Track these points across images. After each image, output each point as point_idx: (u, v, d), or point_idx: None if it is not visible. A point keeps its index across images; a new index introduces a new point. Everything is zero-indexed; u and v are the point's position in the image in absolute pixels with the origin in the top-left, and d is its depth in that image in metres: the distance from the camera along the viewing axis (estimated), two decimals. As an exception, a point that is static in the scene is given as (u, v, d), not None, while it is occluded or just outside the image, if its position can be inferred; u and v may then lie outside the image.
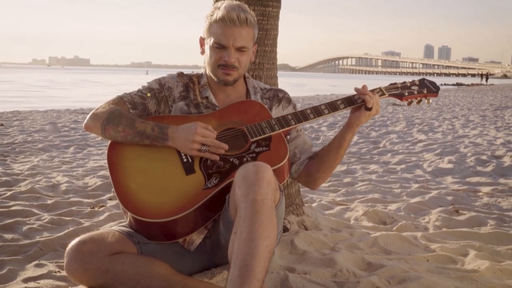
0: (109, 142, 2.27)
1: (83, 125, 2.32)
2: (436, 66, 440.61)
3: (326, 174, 2.47)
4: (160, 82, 2.42)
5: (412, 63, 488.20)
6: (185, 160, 2.18)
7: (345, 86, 46.96)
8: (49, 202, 3.78)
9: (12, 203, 3.69)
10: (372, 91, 2.35)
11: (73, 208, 3.63)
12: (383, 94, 2.39)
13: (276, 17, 2.98)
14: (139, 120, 2.21)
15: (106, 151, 2.26)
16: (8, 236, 2.94)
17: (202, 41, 2.39)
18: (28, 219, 3.31)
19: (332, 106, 2.34)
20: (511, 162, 5.75)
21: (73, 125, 10.01)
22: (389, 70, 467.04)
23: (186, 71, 2.53)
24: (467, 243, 2.91)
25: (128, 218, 2.20)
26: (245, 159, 2.18)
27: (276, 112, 2.46)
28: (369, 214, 3.51)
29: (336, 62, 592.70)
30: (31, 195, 3.94)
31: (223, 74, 2.29)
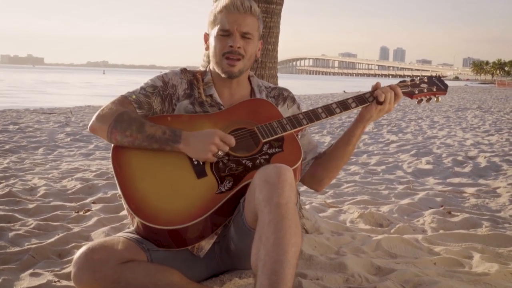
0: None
1: (88, 127, 2.18)
2: (391, 68, 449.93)
3: (333, 174, 2.42)
4: (164, 79, 2.30)
5: (368, 64, 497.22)
6: (195, 162, 2.07)
7: (305, 86, 47.36)
8: (31, 206, 3.60)
9: (-9, 207, 3.49)
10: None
11: (58, 212, 3.47)
12: None
13: (279, 14, 2.92)
14: (149, 124, 2.09)
15: (111, 153, 2.13)
16: (-6, 243, 2.77)
17: (206, 37, 2.33)
18: (12, 224, 3.13)
19: (344, 105, 2.28)
20: (487, 163, 5.87)
21: (37, 125, 9.68)
22: (345, 71, 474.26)
23: (183, 69, 2.41)
24: (468, 245, 2.91)
25: (136, 224, 2.07)
26: (258, 161, 2.09)
27: (281, 111, 2.38)
28: (364, 217, 3.48)
29: (294, 63, 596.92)
30: (10, 199, 3.74)
31: (228, 65, 2.20)
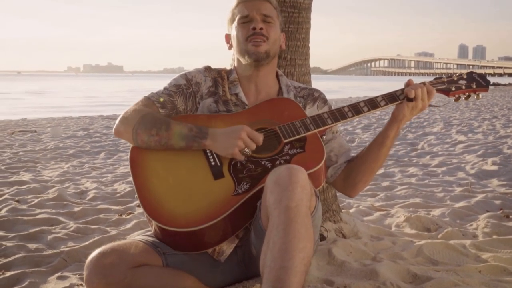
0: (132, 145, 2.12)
1: (113, 130, 2.17)
2: (471, 66, 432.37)
3: (366, 178, 2.26)
4: (187, 77, 2.25)
5: (446, 63, 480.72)
6: (213, 163, 2.01)
7: (379, 87, 46.39)
8: (76, 209, 3.67)
9: (38, 210, 3.59)
10: None
11: (100, 215, 3.51)
12: None
13: (308, 9, 2.78)
14: (174, 122, 2.05)
15: (129, 154, 2.10)
16: (32, 246, 2.82)
17: (227, 37, 2.31)
18: (53, 227, 3.20)
19: (372, 103, 2.14)
20: (561, 164, 5.42)
21: (105, 130, 10.00)
22: (422, 71, 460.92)
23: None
24: (522, 252, 2.66)
25: (153, 227, 2.03)
26: (278, 162, 2.00)
27: (310, 111, 2.27)
28: (411, 220, 3.28)
29: (368, 64, 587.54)
30: (58, 203, 3.85)
31: (253, 47, 2.14)
